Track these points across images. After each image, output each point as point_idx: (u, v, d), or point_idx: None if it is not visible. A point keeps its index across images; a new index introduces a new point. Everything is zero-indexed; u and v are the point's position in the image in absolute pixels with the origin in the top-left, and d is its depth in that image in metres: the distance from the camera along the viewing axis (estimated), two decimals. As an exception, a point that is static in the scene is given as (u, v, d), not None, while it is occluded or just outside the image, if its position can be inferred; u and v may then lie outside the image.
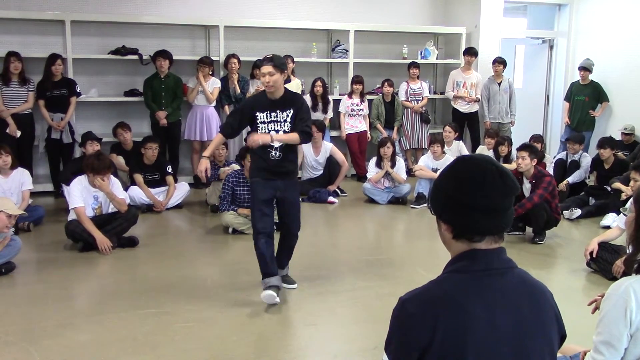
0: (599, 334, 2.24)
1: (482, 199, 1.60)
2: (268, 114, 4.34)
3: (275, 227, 4.53)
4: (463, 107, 9.41)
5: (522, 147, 6.19)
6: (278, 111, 4.35)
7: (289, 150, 4.44)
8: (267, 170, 4.40)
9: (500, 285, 1.63)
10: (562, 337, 1.75)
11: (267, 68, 4.22)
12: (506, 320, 1.59)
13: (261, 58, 7.84)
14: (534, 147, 6.37)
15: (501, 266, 1.65)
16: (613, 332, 2.19)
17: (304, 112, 4.44)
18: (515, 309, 1.62)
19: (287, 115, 4.36)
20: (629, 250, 2.35)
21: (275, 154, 4.37)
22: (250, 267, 4.79)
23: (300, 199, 7.54)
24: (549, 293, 1.73)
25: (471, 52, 9.31)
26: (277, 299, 4.33)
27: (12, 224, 5.07)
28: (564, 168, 7.96)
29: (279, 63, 4.28)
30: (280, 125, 4.35)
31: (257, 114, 4.36)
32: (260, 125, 4.35)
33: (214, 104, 8.24)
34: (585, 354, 2.40)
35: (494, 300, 1.60)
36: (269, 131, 4.33)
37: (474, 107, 9.42)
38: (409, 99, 9.35)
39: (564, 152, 8.22)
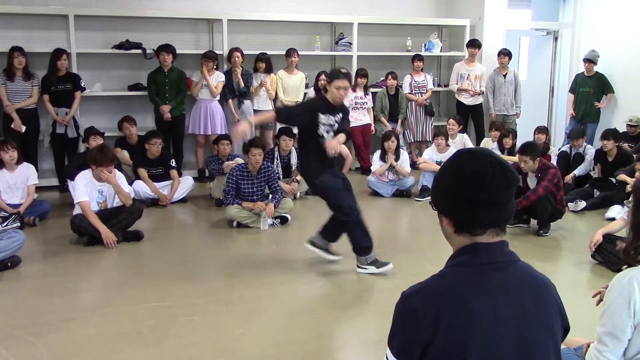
0: (603, 325, 2.24)
1: (482, 192, 1.60)
2: (328, 117, 4.82)
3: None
4: (467, 100, 9.39)
5: (522, 152, 6.08)
6: (334, 114, 4.86)
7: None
8: (326, 163, 4.85)
9: (503, 278, 1.63)
10: (566, 329, 1.75)
11: (344, 83, 4.74)
12: (509, 313, 1.59)
13: (264, 53, 7.81)
14: (533, 146, 6.22)
15: (504, 259, 1.65)
16: (617, 323, 2.19)
17: (347, 115, 5.08)
18: (518, 302, 1.62)
19: (339, 118, 4.90)
20: (629, 238, 2.36)
21: (328, 134, 4.85)
22: (254, 260, 4.81)
23: (305, 193, 7.64)
24: (552, 285, 1.73)
25: (475, 44, 9.27)
26: (391, 265, 4.89)
27: None
28: (568, 161, 7.94)
29: (351, 78, 5.03)
30: (333, 127, 4.86)
31: (320, 115, 4.78)
32: (320, 126, 4.79)
33: (218, 97, 8.24)
34: (589, 346, 2.40)
35: (497, 293, 1.60)
36: (325, 132, 4.81)
37: (478, 100, 9.39)
38: (413, 91, 9.33)
39: (568, 145, 8.20)
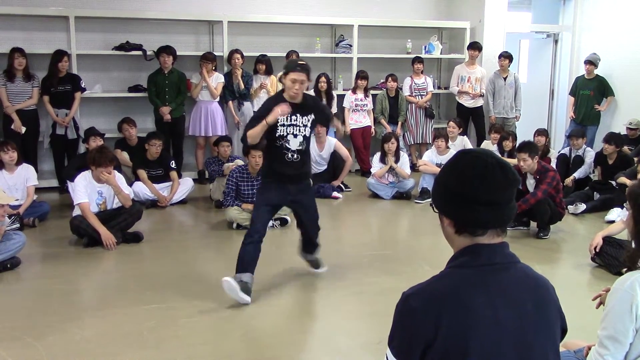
0: (604, 329, 2.24)
1: (483, 192, 1.60)
2: (288, 117, 4.29)
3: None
4: (468, 102, 9.39)
5: (520, 149, 6.10)
6: (298, 115, 4.32)
7: (306, 152, 4.43)
8: (281, 174, 4.35)
9: (503, 280, 1.63)
10: (564, 330, 1.75)
11: (300, 76, 4.20)
12: (509, 315, 1.59)
13: (264, 55, 7.72)
14: (532, 144, 6.24)
15: (504, 261, 1.65)
16: (618, 326, 2.19)
17: (324, 111, 4.63)
18: (518, 304, 1.62)
19: (308, 120, 4.36)
20: (633, 246, 2.35)
21: (293, 155, 4.34)
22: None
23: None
24: (551, 287, 1.73)
25: (475, 46, 9.28)
26: (242, 295, 4.19)
27: (5, 213, 5.03)
28: (567, 164, 7.94)
29: (309, 69, 4.30)
30: (299, 129, 4.33)
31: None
32: (279, 127, 4.28)
33: (218, 99, 8.24)
34: (589, 349, 2.40)
35: (497, 295, 1.60)
36: (288, 134, 4.30)
37: (479, 102, 9.40)
38: (413, 94, 9.34)
39: (568, 148, 8.21)
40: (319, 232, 4.78)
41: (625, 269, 2.40)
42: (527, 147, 6.09)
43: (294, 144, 4.33)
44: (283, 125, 4.29)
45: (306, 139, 4.39)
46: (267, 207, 4.40)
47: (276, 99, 4.42)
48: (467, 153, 1.71)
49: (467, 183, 1.61)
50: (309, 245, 4.79)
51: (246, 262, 4.32)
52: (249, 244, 4.31)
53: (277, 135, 4.30)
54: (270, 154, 4.44)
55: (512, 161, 6.51)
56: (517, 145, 7.32)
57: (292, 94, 4.25)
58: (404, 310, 1.61)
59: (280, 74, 4.46)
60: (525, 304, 1.63)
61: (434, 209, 1.73)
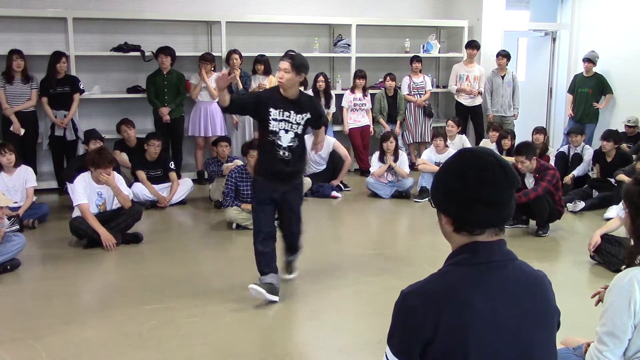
0: (603, 325, 2.24)
1: (483, 191, 1.60)
2: (281, 112, 4.21)
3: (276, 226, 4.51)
4: (466, 101, 9.39)
5: (518, 152, 6.09)
6: (292, 112, 4.23)
7: (299, 149, 4.35)
8: (273, 171, 4.29)
9: (501, 277, 1.63)
10: (557, 325, 1.75)
11: (284, 64, 4.12)
12: (508, 312, 1.60)
13: (262, 55, 7.67)
14: (528, 147, 6.20)
15: (502, 258, 1.66)
16: (617, 323, 2.20)
17: (320, 113, 4.56)
18: (516, 301, 1.62)
19: (302, 119, 4.27)
20: (631, 244, 2.36)
21: (285, 153, 4.26)
22: (254, 262, 4.78)
23: (304, 194, 7.62)
24: (548, 282, 1.74)
25: (473, 45, 9.28)
26: (270, 296, 4.23)
27: (4, 215, 5.01)
28: (566, 161, 7.95)
29: (298, 63, 4.14)
30: (292, 126, 4.24)
31: (271, 109, 4.20)
32: (271, 122, 4.20)
33: (217, 99, 8.23)
34: (588, 346, 2.40)
35: (496, 292, 1.60)
36: (280, 130, 4.21)
37: (477, 101, 9.40)
38: (412, 93, 9.34)
39: (566, 146, 8.22)
40: (302, 237, 4.68)
41: (624, 266, 2.40)
42: (524, 150, 6.08)
43: (285, 139, 4.23)
44: (275, 119, 4.20)
45: (299, 137, 4.30)
46: (261, 203, 4.33)
47: (272, 91, 4.44)
48: (467, 152, 1.71)
49: (467, 182, 1.62)
50: (289, 249, 4.71)
51: (264, 263, 4.35)
52: (260, 242, 4.31)
53: (269, 129, 4.21)
54: (263, 150, 4.38)
55: (511, 159, 6.51)
56: (515, 144, 7.35)
57: (277, 82, 4.21)
58: (402, 308, 1.61)
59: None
60: (524, 301, 1.63)
61: (433, 205, 1.74)
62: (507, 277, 1.64)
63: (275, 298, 4.28)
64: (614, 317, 2.21)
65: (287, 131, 4.23)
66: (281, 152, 4.25)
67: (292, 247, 4.71)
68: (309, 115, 4.31)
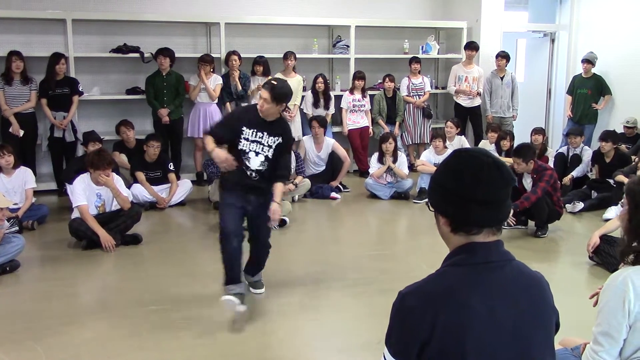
0: (598, 325, 2.25)
1: (479, 190, 1.61)
2: (255, 132, 4.12)
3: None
4: (465, 102, 9.40)
5: (516, 154, 6.12)
6: (266, 133, 4.14)
7: (266, 175, 4.21)
8: (243, 184, 4.18)
9: (499, 278, 1.64)
10: (557, 326, 1.76)
11: (264, 93, 4.04)
12: (505, 312, 1.60)
13: (261, 56, 7.59)
14: (527, 149, 6.21)
15: (500, 259, 1.66)
16: (612, 323, 2.20)
17: (288, 150, 4.35)
18: (514, 301, 1.63)
19: (274, 142, 4.16)
20: (624, 241, 2.37)
21: (253, 174, 4.17)
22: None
23: (304, 196, 7.66)
24: (545, 283, 1.75)
25: (472, 46, 9.29)
26: (241, 307, 4.08)
27: (3, 217, 5.01)
28: (565, 162, 7.96)
29: (278, 94, 4.05)
30: (263, 148, 4.14)
31: (244, 128, 4.12)
32: (242, 141, 4.12)
33: (216, 100, 8.25)
34: (585, 346, 2.41)
35: (493, 293, 1.61)
36: (249, 151, 4.12)
37: (476, 102, 9.40)
38: (411, 94, 9.35)
39: (565, 147, 8.23)
40: (268, 256, 4.54)
41: (621, 266, 2.41)
42: (522, 152, 6.10)
43: (254, 163, 4.15)
44: (247, 139, 4.12)
45: (269, 161, 4.17)
46: (230, 207, 4.16)
47: (248, 110, 4.36)
48: (463, 152, 1.72)
49: (463, 182, 1.63)
50: (253, 268, 4.56)
51: (236, 272, 4.20)
52: (227, 244, 4.10)
53: (239, 148, 4.13)
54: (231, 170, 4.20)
55: (510, 160, 6.52)
56: (514, 145, 7.36)
57: (260, 109, 4.11)
58: (400, 309, 1.62)
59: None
60: (521, 301, 1.64)
61: (429, 207, 1.75)
62: (505, 277, 1.65)
63: (244, 308, 4.12)
64: (608, 317, 2.21)
65: (257, 154, 4.14)
66: (249, 173, 4.17)
67: (258, 266, 4.56)
68: (280, 140, 4.18)
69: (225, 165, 4.06)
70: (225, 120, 4.28)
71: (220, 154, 4.05)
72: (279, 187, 4.19)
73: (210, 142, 4.14)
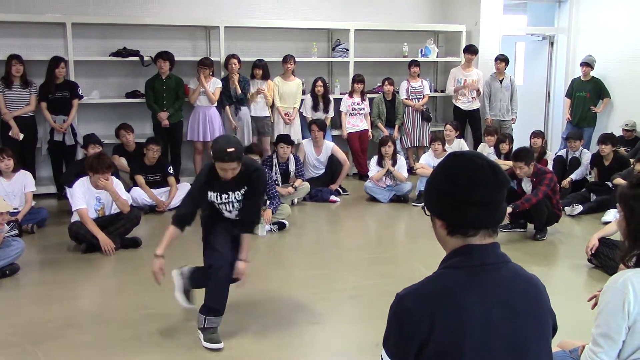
0: (598, 327, 2.26)
1: (475, 193, 1.62)
2: (218, 195, 4.01)
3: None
4: (464, 105, 9.41)
5: (516, 158, 6.13)
6: (230, 192, 4.00)
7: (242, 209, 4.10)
8: (222, 221, 4.11)
9: (495, 280, 1.65)
10: (554, 329, 1.77)
11: (231, 165, 3.77)
12: (502, 314, 1.61)
13: (260, 60, 7.54)
14: (527, 152, 6.25)
15: (496, 261, 1.67)
16: (611, 324, 2.21)
17: (257, 194, 4.12)
18: (510, 303, 1.64)
19: (240, 195, 4.01)
20: (625, 246, 2.37)
21: (231, 213, 4.11)
22: (252, 267, 4.79)
23: (303, 199, 7.67)
24: (542, 286, 1.75)
25: (471, 50, 9.31)
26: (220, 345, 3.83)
27: (3, 221, 5.01)
28: (564, 165, 7.98)
29: (239, 156, 3.79)
30: (233, 205, 4.04)
31: (209, 192, 4.00)
32: (212, 202, 4.05)
33: (216, 104, 8.26)
34: (584, 348, 2.42)
35: (490, 295, 1.62)
36: (222, 210, 4.06)
37: (475, 105, 9.42)
38: (410, 97, 9.36)
39: (564, 150, 8.24)
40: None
41: (621, 268, 2.42)
42: (523, 156, 6.11)
43: (230, 215, 4.09)
44: (214, 201, 4.03)
45: (242, 202, 4.04)
46: (217, 240, 4.06)
47: (209, 173, 3.99)
48: (457, 155, 1.73)
49: (458, 184, 1.64)
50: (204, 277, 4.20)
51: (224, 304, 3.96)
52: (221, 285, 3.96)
53: (209, 203, 4.05)
54: (208, 213, 4.14)
55: (509, 164, 6.54)
56: (513, 148, 7.37)
57: (227, 178, 3.87)
58: (398, 311, 1.63)
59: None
60: (517, 303, 1.65)
61: (426, 211, 1.76)
62: (502, 279, 1.66)
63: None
64: (608, 319, 2.22)
65: (230, 211, 4.07)
66: (227, 214, 4.10)
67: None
68: (246, 188, 4.01)
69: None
70: (190, 194, 4.10)
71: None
72: (246, 241, 4.01)
73: (166, 240, 4.11)
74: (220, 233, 4.05)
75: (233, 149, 3.74)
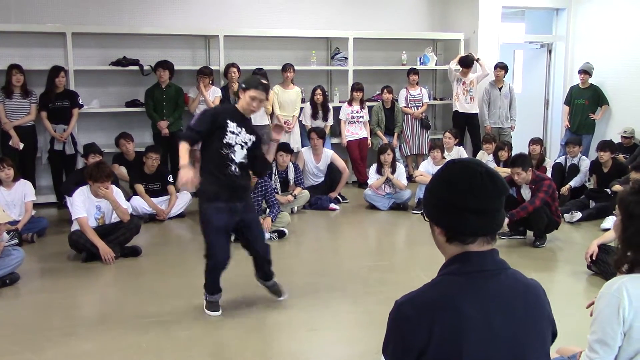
0: (594, 333, 2.26)
1: (473, 200, 1.63)
2: (237, 126, 4.14)
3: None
4: (464, 107, 9.37)
5: (513, 164, 6.15)
6: (244, 130, 4.18)
7: (246, 170, 4.29)
8: (223, 190, 4.14)
9: (494, 286, 1.65)
10: (553, 335, 1.78)
11: (262, 95, 4.12)
12: (501, 321, 1.62)
13: (260, 68, 7.65)
14: (523, 158, 6.26)
15: (495, 267, 1.68)
16: (607, 330, 2.22)
17: (261, 139, 4.41)
18: (509, 309, 1.64)
19: (250, 140, 4.22)
20: (619, 251, 2.38)
21: (235, 169, 4.16)
22: (252, 275, 4.81)
23: (302, 207, 7.68)
24: (542, 291, 1.76)
25: (466, 63, 9.23)
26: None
27: (3, 232, 5.03)
28: (562, 172, 7.99)
29: (268, 91, 4.28)
30: (241, 147, 4.19)
31: (229, 121, 4.11)
32: (229, 134, 4.10)
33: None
34: (581, 354, 2.42)
35: (489, 301, 1.63)
36: (235, 144, 4.13)
37: (474, 108, 9.39)
38: (409, 105, 9.39)
39: (563, 157, 8.26)
40: (271, 264, 4.55)
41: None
42: (520, 162, 6.12)
43: (239, 155, 4.16)
44: (233, 132, 4.12)
45: (248, 156, 4.24)
46: (217, 232, 4.20)
47: (224, 109, 4.40)
48: (456, 162, 1.75)
49: (457, 192, 1.65)
50: (263, 268, 4.54)
51: (218, 286, 4.40)
52: (218, 272, 4.34)
53: (224, 142, 4.10)
54: (209, 169, 4.20)
55: (507, 171, 6.55)
56: (512, 155, 7.38)
57: (251, 109, 4.17)
58: (397, 318, 1.64)
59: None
60: (516, 310, 1.65)
61: (425, 217, 1.77)
62: (500, 285, 1.66)
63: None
64: (603, 325, 2.23)
65: (242, 147, 4.17)
66: (232, 168, 4.15)
67: (267, 266, 4.54)
68: (254, 139, 4.25)
69: (184, 187, 4.10)
70: (206, 115, 4.25)
71: (186, 175, 3.97)
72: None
73: (184, 154, 4.11)
74: (220, 212, 4.18)
75: (267, 83, 4.27)
